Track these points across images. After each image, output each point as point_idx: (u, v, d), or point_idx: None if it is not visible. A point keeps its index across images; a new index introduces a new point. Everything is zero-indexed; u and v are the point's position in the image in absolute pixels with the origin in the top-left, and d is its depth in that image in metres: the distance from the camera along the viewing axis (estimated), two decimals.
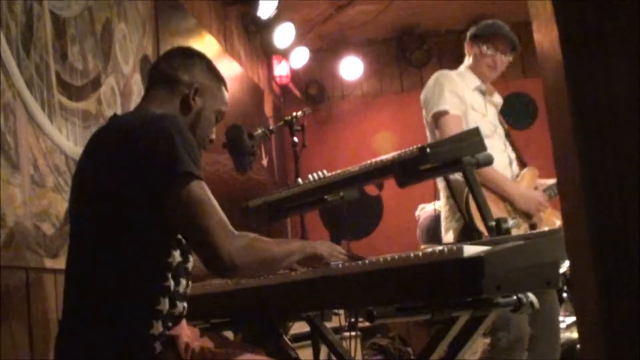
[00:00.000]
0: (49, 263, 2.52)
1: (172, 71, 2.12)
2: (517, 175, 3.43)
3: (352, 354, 2.54)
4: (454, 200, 3.20)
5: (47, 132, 2.60)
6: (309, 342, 3.29)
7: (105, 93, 3.07)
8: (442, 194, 3.40)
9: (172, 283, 1.89)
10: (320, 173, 2.50)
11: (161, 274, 1.87)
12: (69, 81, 2.80)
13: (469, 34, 3.58)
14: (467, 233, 3.12)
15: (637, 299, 0.76)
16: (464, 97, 3.37)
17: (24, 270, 2.41)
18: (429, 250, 1.73)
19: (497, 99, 3.61)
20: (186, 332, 1.94)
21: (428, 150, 2.05)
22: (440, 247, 1.71)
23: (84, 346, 1.83)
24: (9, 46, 2.43)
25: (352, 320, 2.66)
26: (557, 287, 1.75)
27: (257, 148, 2.74)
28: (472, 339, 1.98)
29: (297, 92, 6.95)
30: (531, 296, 1.84)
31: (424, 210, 4.70)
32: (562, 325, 3.98)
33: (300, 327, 3.56)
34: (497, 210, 3.13)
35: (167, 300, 1.87)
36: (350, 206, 2.61)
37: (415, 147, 2.12)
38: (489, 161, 2.15)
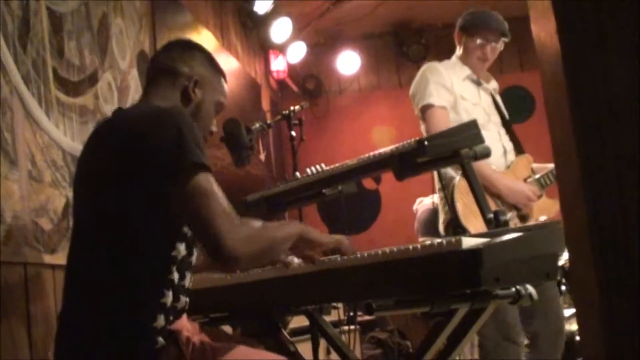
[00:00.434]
0: (47, 258, 2.52)
1: (172, 63, 2.12)
2: (510, 164, 3.41)
3: (351, 348, 2.54)
4: (444, 192, 3.21)
5: (45, 127, 2.60)
6: (308, 336, 3.29)
7: (102, 88, 3.06)
8: (436, 185, 3.41)
9: (176, 276, 1.90)
10: (318, 167, 2.50)
11: (166, 267, 1.88)
12: (65, 77, 2.79)
13: (458, 24, 3.57)
14: (454, 225, 3.13)
15: (636, 293, 0.76)
16: (452, 88, 3.37)
17: (22, 266, 2.41)
18: (428, 242, 1.73)
19: (493, 84, 3.60)
20: (187, 327, 1.95)
21: (426, 143, 2.05)
22: (439, 240, 1.71)
23: (86, 339, 1.83)
24: (6, 42, 2.42)
25: (351, 313, 2.67)
26: (555, 279, 1.75)
27: (254, 142, 2.73)
28: (471, 331, 1.98)
29: (294, 87, 6.95)
30: (530, 288, 1.84)
31: (422, 204, 4.70)
32: None
33: (299, 321, 3.56)
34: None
35: (171, 294, 1.87)
36: (349, 200, 2.61)
37: (413, 140, 2.12)
38: (486, 153, 2.15)
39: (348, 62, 6.88)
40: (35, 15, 2.62)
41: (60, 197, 2.62)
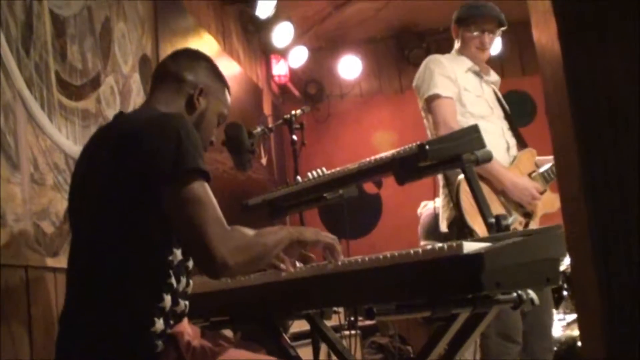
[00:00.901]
0: (49, 262, 2.52)
1: (179, 71, 2.13)
2: (514, 159, 3.41)
3: (352, 353, 2.54)
4: (448, 189, 3.20)
5: (47, 131, 2.60)
6: (308, 340, 3.29)
7: (104, 92, 3.07)
8: (440, 183, 3.40)
9: (175, 280, 1.90)
10: (319, 171, 2.51)
11: (163, 271, 1.88)
12: (68, 80, 2.80)
13: (453, 17, 3.58)
14: (459, 223, 3.12)
15: (638, 297, 0.77)
16: (456, 79, 3.37)
17: (23, 269, 2.41)
18: (429, 247, 1.73)
19: (494, 77, 3.60)
20: (187, 331, 1.95)
21: (427, 147, 2.05)
22: (440, 244, 1.71)
23: (86, 343, 1.84)
24: (9, 45, 2.43)
25: (352, 318, 2.66)
26: (556, 284, 1.75)
27: (256, 146, 2.74)
28: (472, 336, 1.98)
29: (295, 91, 6.95)
30: (531, 293, 1.84)
31: (426, 208, 4.70)
32: (563, 323, 3.99)
33: (300, 325, 3.56)
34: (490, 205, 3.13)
35: (169, 298, 1.87)
36: (350, 205, 2.61)
37: (414, 144, 2.12)
38: (488, 158, 2.15)
39: (349, 67, 6.88)
40: (38, 19, 2.62)
41: (62, 200, 2.62)
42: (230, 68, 5.26)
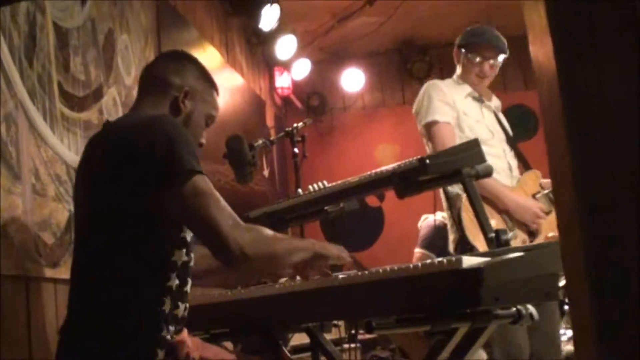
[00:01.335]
0: (49, 272, 2.52)
1: (163, 74, 2.13)
2: (519, 180, 3.41)
3: None
4: (450, 211, 3.21)
5: (49, 142, 2.61)
6: (308, 354, 3.28)
7: (107, 103, 3.08)
8: (444, 205, 3.40)
9: (176, 283, 1.90)
10: (320, 184, 2.51)
11: (165, 274, 1.88)
12: (71, 91, 2.81)
13: (456, 41, 3.58)
14: (463, 243, 3.12)
15: (631, 313, 0.77)
16: (455, 105, 3.37)
17: (24, 280, 2.41)
18: (428, 261, 1.73)
19: (495, 102, 3.60)
20: (188, 342, 1.95)
21: (427, 161, 2.06)
22: (439, 259, 1.71)
23: (86, 350, 1.84)
24: (12, 56, 2.44)
25: (353, 331, 2.66)
26: (556, 299, 1.75)
27: (257, 159, 2.74)
28: (471, 351, 1.98)
29: (298, 104, 6.97)
30: (531, 308, 1.84)
31: (426, 221, 4.70)
32: (564, 338, 3.97)
33: (300, 338, 3.55)
34: (493, 223, 3.13)
35: (169, 301, 1.87)
36: (352, 217, 2.61)
37: (414, 158, 2.13)
38: (488, 172, 2.16)
39: (352, 79, 6.90)
40: (41, 31, 2.64)
41: (63, 211, 2.63)
42: (233, 80, 5.27)
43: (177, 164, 1.79)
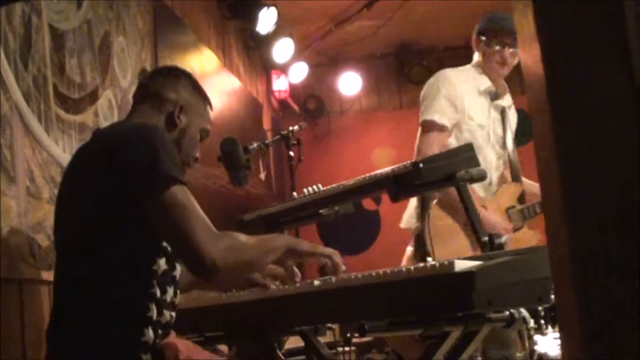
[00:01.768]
0: (43, 275, 2.52)
1: (159, 89, 2.14)
2: (495, 192, 3.39)
3: None
4: (421, 214, 3.20)
5: (44, 144, 2.61)
6: (303, 357, 3.28)
7: (102, 106, 3.08)
8: (415, 212, 3.39)
9: (157, 290, 1.90)
10: (315, 187, 2.51)
11: (147, 281, 1.88)
12: (66, 94, 2.81)
13: (475, 29, 3.50)
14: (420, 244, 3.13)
15: (617, 319, 0.77)
16: (462, 104, 3.31)
17: (18, 282, 2.41)
18: (421, 265, 1.73)
19: (507, 100, 3.52)
20: (176, 346, 1.94)
21: (421, 165, 2.06)
22: (432, 262, 1.71)
23: (73, 355, 1.84)
24: (7, 58, 2.44)
25: (347, 335, 2.66)
26: (548, 303, 1.75)
27: (252, 162, 2.74)
28: (464, 354, 1.98)
29: (295, 107, 6.98)
30: (524, 312, 1.84)
31: (410, 224, 4.69)
32: (559, 342, 3.97)
33: (295, 342, 3.55)
34: (459, 238, 3.13)
35: (154, 307, 1.88)
36: (348, 221, 2.62)
37: (408, 162, 2.13)
38: (482, 176, 2.16)
39: (349, 83, 6.91)
40: (37, 33, 2.64)
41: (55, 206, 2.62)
42: (230, 83, 5.28)
43: (157, 172, 1.79)
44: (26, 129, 2.52)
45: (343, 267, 2.00)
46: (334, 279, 1.99)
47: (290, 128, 3.16)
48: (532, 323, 1.87)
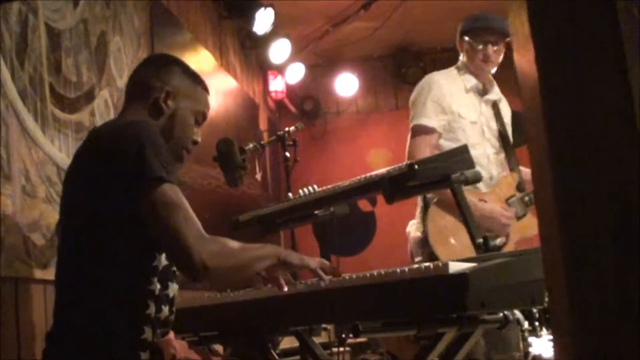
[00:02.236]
0: (38, 274, 2.52)
1: (145, 78, 2.13)
2: (494, 184, 3.40)
3: None
4: (422, 214, 3.24)
5: (40, 143, 2.61)
6: (297, 357, 3.28)
7: (98, 105, 3.08)
8: (419, 204, 3.41)
9: (158, 287, 1.90)
10: (310, 188, 2.51)
11: (147, 278, 1.88)
12: (62, 93, 2.81)
13: (457, 30, 3.55)
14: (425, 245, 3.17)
15: (609, 320, 0.77)
16: (450, 105, 3.35)
17: (13, 281, 2.41)
18: (415, 266, 1.74)
19: (497, 93, 3.56)
20: (174, 344, 1.95)
21: (416, 167, 2.07)
22: (426, 264, 1.72)
23: (70, 354, 1.84)
24: (3, 57, 2.44)
25: (342, 335, 2.66)
26: (542, 305, 1.76)
27: (248, 162, 2.74)
28: (457, 355, 1.98)
29: (292, 108, 6.98)
30: (518, 313, 1.84)
31: (414, 227, 4.69)
32: (551, 344, 3.97)
33: (289, 342, 3.55)
34: (462, 236, 3.16)
35: (153, 305, 1.88)
36: (343, 222, 2.62)
37: (404, 163, 2.14)
38: (477, 178, 2.17)
39: (346, 84, 6.92)
40: (33, 32, 2.64)
41: (53, 212, 2.62)
42: (226, 83, 5.28)
43: (146, 171, 1.79)
44: (22, 127, 2.52)
45: (326, 281, 1.98)
46: (323, 284, 1.99)
47: (287, 129, 3.16)
48: (526, 325, 1.88)
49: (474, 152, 3.04)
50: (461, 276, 1.57)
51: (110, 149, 1.86)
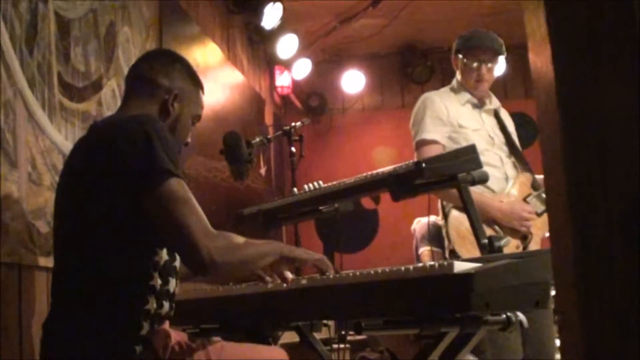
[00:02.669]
0: (42, 261, 2.52)
1: (152, 74, 2.12)
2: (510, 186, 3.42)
3: None
4: (445, 222, 3.27)
5: (47, 131, 2.61)
6: (297, 352, 3.28)
7: (106, 95, 3.08)
8: (440, 214, 3.44)
9: (159, 282, 1.90)
10: (315, 184, 2.51)
11: (148, 273, 1.88)
12: (70, 82, 2.81)
13: (452, 49, 3.59)
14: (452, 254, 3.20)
15: (619, 322, 0.77)
16: (449, 118, 3.40)
17: (17, 267, 2.41)
18: (420, 265, 1.73)
19: (495, 103, 3.60)
20: (167, 332, 1.94)
21: (424, 165, 2.06)
22: (431, 263, 1.71)
23: (67, 349, 1.84)
24: (13, 44, 2.44)
25: (342, 332, 2.66)
26: (545, 308, 1.75)
27: (254, 156, 2.74)
28: (459, 355, 1.98)
29: (297, 103, 6.97)
30: (520, 315, 1.84)
31: (420, 223, 4.70)
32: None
33: (290, 337, 3.55)
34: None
35: (154, 300, 1.88)
36: (347, 219, 2.62)
37: (411, 161, 2.13)
38: (484, 178, 2.16)
39: (352, 81, 6.91)
40: (43, 20, 2.64)
41: (54, 200, 2.62)
42: (233, 77, 5.27)
43: (153, 165, 1.78)
44: (29, 115, 2.52)
45: (330, 273, 1.98)
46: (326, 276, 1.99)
47: (293, 124, 3.16)
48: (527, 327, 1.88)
49: (484, 159, 3.06)
50: (466, 276, 1.57)
51: (116, 143, 1.84)
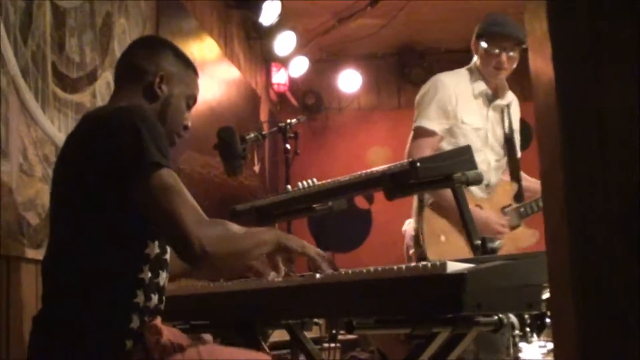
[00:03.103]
0: (31, 253, 2.50)
1: (136, 61, 2.11)
2: (489, 192, 3.39)
3: None
4: (417, 216, 3.22)
5: (39, 122, 2.59)
6: (287, 351, 3.27)
7: (100, 87, 3.06)
8: (414, 204, 3.40)
9: (148, 275, 1.88)
10: (309, 181, 2.50)
11: (138, 266, 1.86)
12: (64, 72, 2.78)
13: (474, 31, 3.50)
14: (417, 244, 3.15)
15: (615, 326, 0.76)
16: (455, 110, 3.34)
17: (5, 259, 2.39)
18: (412, 264, 1.72)
19: (508, 98, 3.53)
20: (159, 328, 1.93)
21: (418, 164, 2.05)
22: (424, 262, 1.70)
23: (56, 343, 1.82)
24: (7, 33, 2.41)
25: (333, 331, 2.65)
26: (538, 310, 1.74)
27: (248, 152, 2.72)
28: (450, 356, 1.97)
29: (293, 101, 6.96)
30: (512, 317, 1.83)
31: (411, 225, 4.69)
32: (544, 351, 3.97)
33: (280, 335, 3.54)
34: (454, 239, 3.14)
35: (142, 293, 1.86)
36: (340, 218, 2.61)
37: (405, 161, 2.12)
38: (478, 179, 2.15)
39: (349, 80, 6.90)
40: (38, 8, 2.61)
41: (49, 192, 2.60)
42: (229, 73, 5.26)
43: (143, 156, 1.76)
44: (22, 105, 2.49)
45: (324, 271, 1.97)
46: (318, 275, 1.98)
47: (288, 121, 3.15)
48: (518, 330, 1.87)
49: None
50: (459, 276, 1.56)
51: (106, 135, 1.83)
